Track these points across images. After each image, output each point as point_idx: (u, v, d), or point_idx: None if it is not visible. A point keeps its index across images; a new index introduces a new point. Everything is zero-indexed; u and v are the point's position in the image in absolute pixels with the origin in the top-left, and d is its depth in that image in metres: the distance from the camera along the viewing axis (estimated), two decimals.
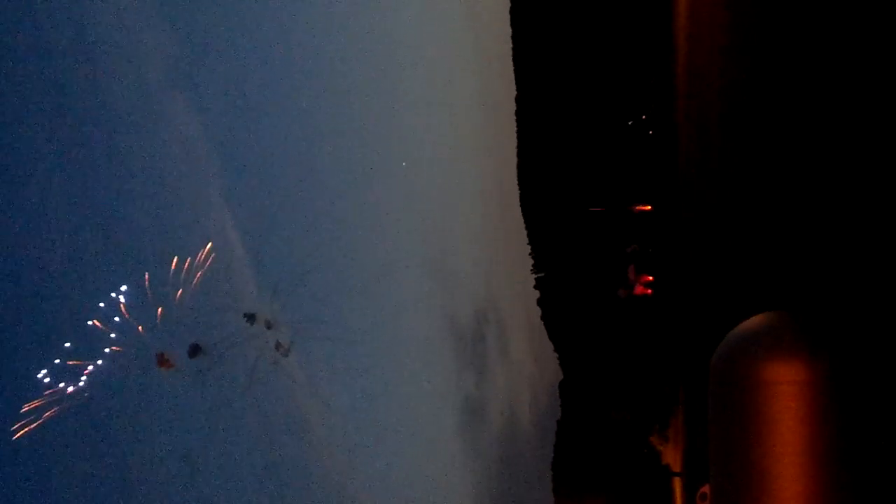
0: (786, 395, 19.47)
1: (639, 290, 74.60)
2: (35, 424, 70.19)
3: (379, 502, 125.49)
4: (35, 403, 70.06)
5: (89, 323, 71.03)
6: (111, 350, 68.58)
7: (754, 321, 21.07)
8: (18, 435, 68.99)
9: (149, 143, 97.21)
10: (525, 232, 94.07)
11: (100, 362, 72.65)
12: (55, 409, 71.64)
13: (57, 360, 73.21)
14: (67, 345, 74.18)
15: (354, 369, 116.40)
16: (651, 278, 74.47)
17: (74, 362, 73.43)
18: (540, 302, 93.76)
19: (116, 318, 71.20)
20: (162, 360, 61.12)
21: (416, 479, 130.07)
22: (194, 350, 59.36)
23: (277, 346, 73.89)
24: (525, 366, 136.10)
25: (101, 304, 73.97)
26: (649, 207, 76.90)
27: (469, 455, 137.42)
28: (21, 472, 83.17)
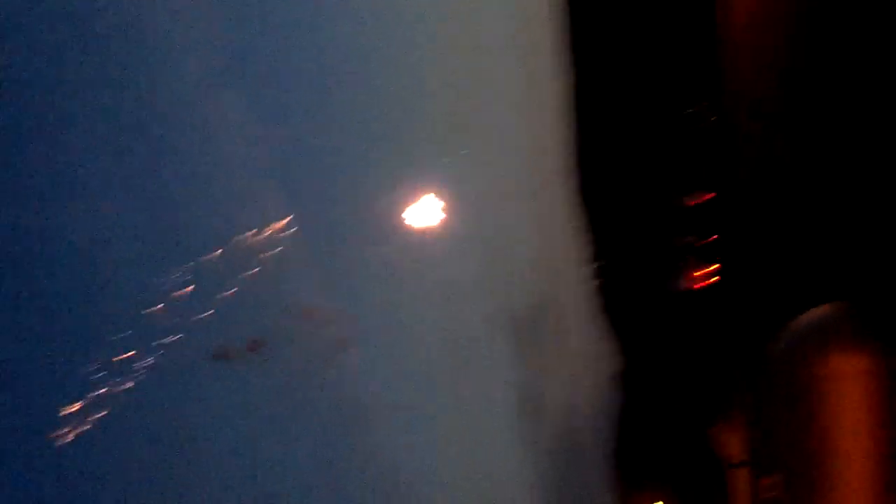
0: (850, 387, 19.29)
1: (699, 279, 73.79)
2: (81, 428, 71.54)
3: (435, 494, 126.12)
4: (76, 407, 71.25)
5: (147, 312, 72.19)
6: (168, 341, 69.66)
7: (817, 312, 20.91)
8: (63, 439, 70.32)
9: (201, 132, 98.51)
10: (583, 219, 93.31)
11: (153, 357, 73.78)
12: (103, 411, 72.93)
13: (109, 355, 74.49)
14: (121, 336, 75.46)
15: (409, 360, 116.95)
16: (711, 268, 73.58)
17: (125, 356, 74.68)
18: (598, 291, 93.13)
19: (172, 309, 72.28)
20: (220, 353, 62.00)
21: (471, 470, 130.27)
22: (253, 343, 60.20)
23: (334, 339, 74.34)
24: (583, 356, 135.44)
25: (156, 295, 75.21)
26: (710, 195, 75.89)
27: (526, 446, 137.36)
28: (76, 470, 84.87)
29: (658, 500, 66.80)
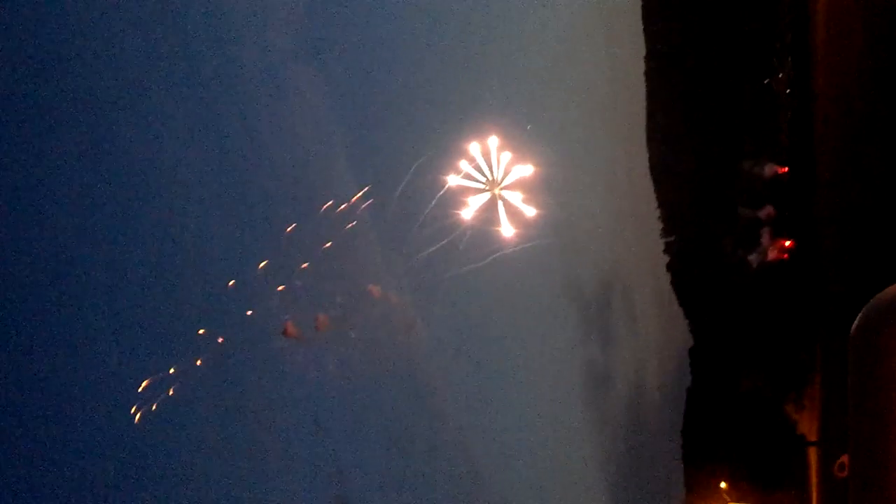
0: None
1: (773, 255, 72.42)
2: (160, 399, 73.21)
3: (504, 473, 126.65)
4: (146, 383, 73.10)
5: (231, 284, 73.70)
6: (246, 315, 70.91)
7: (894, 289, 20.20)
8: (144, 410, 71.95)
9: (278, 111, 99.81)
10: (654, 194, 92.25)
11: (224, 336, 75.28)
12: (176, 384, 74.70)
13: (186, 331, 76.28)
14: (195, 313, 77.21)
15: (478, 340, 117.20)
16: (788, 243, 72.15)
17: (203, 332, 76.45)
18: (669, 267, 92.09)
19: (245, 285, 73.55)
20: (289, 330, 62.46)
21: (540, 448, 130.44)
22: (321, 320, 60.61)
23: (402, 322, 74.91)
24: (653, 332, 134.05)
25: (231, 271, 76.83)
26: (786, 169, 74.33)
27: (595, 423, 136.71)
28: (148, 445, 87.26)
29: (722, 480, 66.09)
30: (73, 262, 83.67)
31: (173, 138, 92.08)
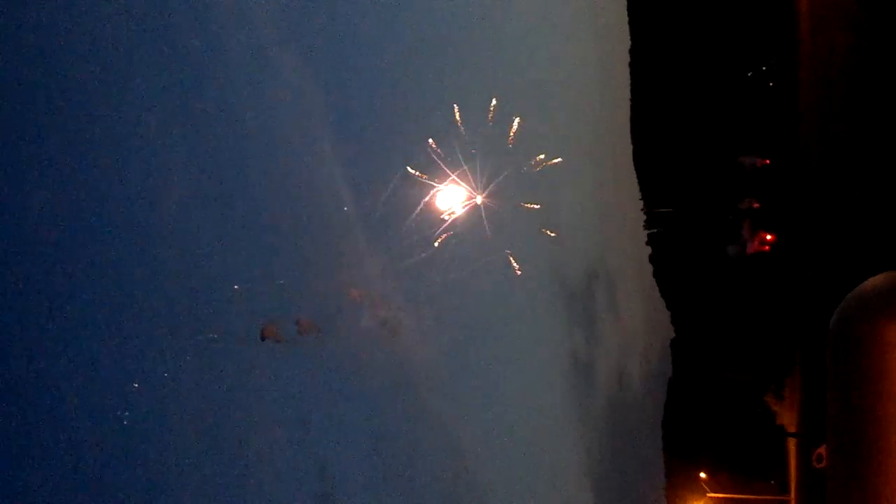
0: None
1: (753, 247, 72.76)
2: (144, 404, 72.55)
3: (488, 465, 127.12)
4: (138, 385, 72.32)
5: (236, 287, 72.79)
6: (231, 315, 69.95)
7: (877, 281, 20.32)
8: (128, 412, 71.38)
9: (261, 96, 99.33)
10: (637, 187, 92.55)
11: (208, 336, 74.64)
12: (161, 383, 74.00)
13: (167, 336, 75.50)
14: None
15: (461, 330, 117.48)
16: (769, 236, 72.46)
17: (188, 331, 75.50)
18: (652, 259, 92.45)
19: (223, 289, 72.98)
20: (267, 332, 61.56)
21: (524, 439, 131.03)
22: (303, 324, 60.04)
23: (383, 322, 74.62)
24: (636, 323, 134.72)
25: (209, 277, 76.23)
26: (768, 161, 74.59)
27: (578, 414, 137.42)
28: (133, 444, 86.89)
29: (702, 470, 66.45)
30: (52, 260, 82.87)
31: (155, 131, 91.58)
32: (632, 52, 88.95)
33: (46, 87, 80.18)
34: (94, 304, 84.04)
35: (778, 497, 64.73)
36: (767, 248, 72.66)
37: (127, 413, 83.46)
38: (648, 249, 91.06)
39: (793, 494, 62.01)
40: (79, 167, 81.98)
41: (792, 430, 65.97)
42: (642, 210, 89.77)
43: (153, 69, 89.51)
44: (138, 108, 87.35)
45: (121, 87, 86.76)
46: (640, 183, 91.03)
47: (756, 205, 72.96)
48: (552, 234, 76.81)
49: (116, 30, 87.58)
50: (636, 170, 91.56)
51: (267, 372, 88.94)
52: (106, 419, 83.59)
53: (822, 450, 22.07)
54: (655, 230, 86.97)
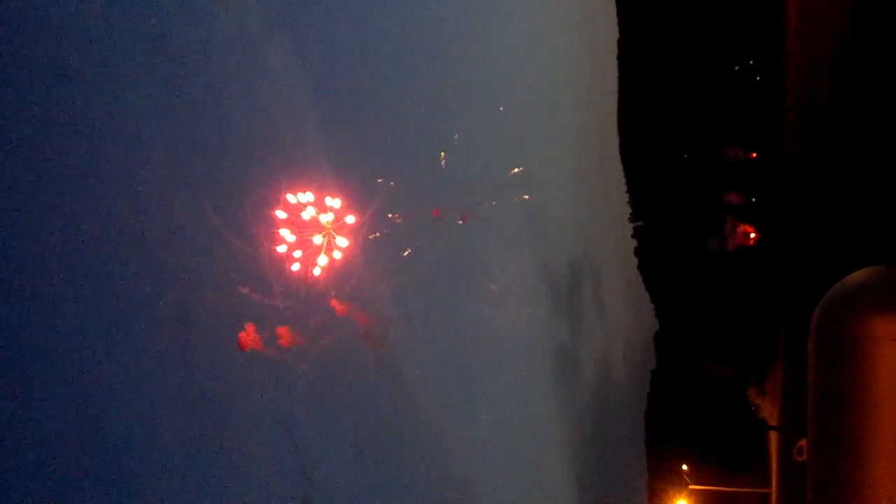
0: (891, 352, 18.90)
1: (735, 242, 72.94)
2: (127, 404, 71.83)
3: (472, 454, 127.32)
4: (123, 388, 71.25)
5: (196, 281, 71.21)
6: (215, 318, 68.91)
7: (859, 275, 20.43)
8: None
9: (248, 84, 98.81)
10: (623, 180, 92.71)
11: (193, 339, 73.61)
12: (146, 385, 73.18)
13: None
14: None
15: (446, 318, 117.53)
16: (752, 229, 72.70)
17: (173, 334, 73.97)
18: (637, 251, 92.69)
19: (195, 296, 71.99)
20: (243, 341, 60.35)
21: (508, 428, 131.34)
22: (283, 334, 59.14)
23: (371, 336, 74.18)
24: (620, 315, 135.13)
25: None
26: (754, 155, 74.81)
27: (562, 405, 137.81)
28: (120, 447, 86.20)
29: (685, 462, 66.80)
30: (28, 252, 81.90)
31: (138, 117, 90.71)
32: (620, 45, 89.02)
33: (28, 77, 79.43)
34: (72, 304, 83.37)
35: (759, 489, 65.13)
36: (750, 242, 72.95)
37: (108, 417, 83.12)
38: (633, 242, 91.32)
39: (774, 487, 62.39)
40: (58, 160, 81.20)
41: (773, 423, 66.38)
42: (628, 203, 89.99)
43: (139, 61, 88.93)
44: (123, 101, 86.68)
45: (105, 80, 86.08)
46: (626, 176, 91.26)
47: (740, 198, 73.21)
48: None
49: (103, 21, 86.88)
50: (623, 163, 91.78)
51: (251, 375, 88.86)
52: (87, 423, 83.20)
53: (802, 443, 22.20)
54: (641, 223, 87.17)
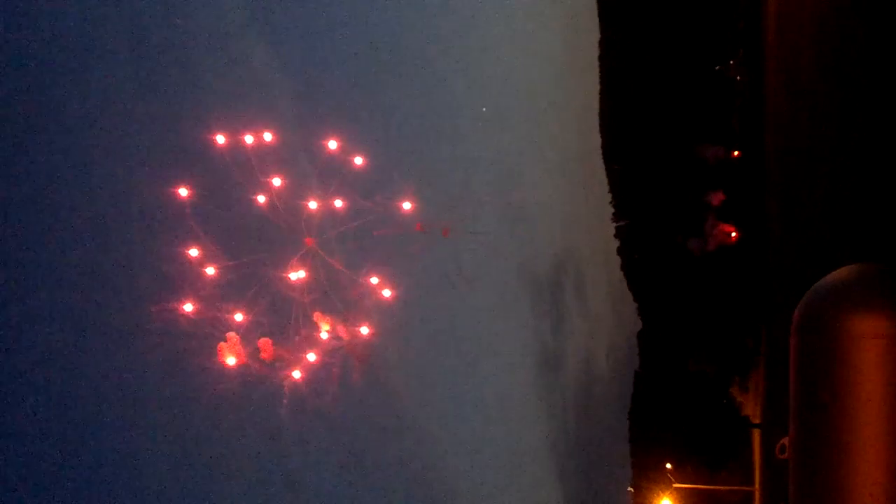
0: (873, 350, 18.84)
1: (714, 243, 73.13)
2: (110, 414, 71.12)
3: (455, 452, 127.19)
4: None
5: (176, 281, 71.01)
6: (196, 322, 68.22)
7: (842, 272, 20.37)
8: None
9: (227, 82, 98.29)
10: (605, 180, 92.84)
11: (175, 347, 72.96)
12: (128, 395, 72.86)
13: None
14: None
15: (429, 319, 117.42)
16: (732, 228, 72.94)
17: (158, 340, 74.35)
18: (619, 251, 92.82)
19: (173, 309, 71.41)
20: (221, 355, 59.02)
21: (491, 427, 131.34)
22: (265, 348, 58.21)
23: (357, 353, 73.21)
24: (603, 315, 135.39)
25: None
26: (735, 154, 75.07)
27: (545, 404, 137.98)
28: (104, 455, 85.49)
29: (668, 460, 66.93)
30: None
31: (119, 110, 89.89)
32: (601, 44, 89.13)
33: (6, 73, 78.80)
34: (53, 307, 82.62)
35: (742, 487, 65.33)
36: (731, 240, 73.17)
37: (92, 425, 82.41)
38: (616, 242, 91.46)
39: (757, 485, 62.57)
40: (36, 156, 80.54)
41: (756, 421, 66.59)
42: (610, 203, 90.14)
43: (119, 55, 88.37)
44: (102, 96, 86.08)
45: (78, 65, 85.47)
46: (608, 176, 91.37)
47: (723, 198, 73.46)
48: (509, 204, 76.97)
49: (81, 16, 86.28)
50: (605, 164, 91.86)
51: (236, 384, 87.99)
52: (73, 429, 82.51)
53: (785, 440, 22.17)
54: (623, 222, 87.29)
